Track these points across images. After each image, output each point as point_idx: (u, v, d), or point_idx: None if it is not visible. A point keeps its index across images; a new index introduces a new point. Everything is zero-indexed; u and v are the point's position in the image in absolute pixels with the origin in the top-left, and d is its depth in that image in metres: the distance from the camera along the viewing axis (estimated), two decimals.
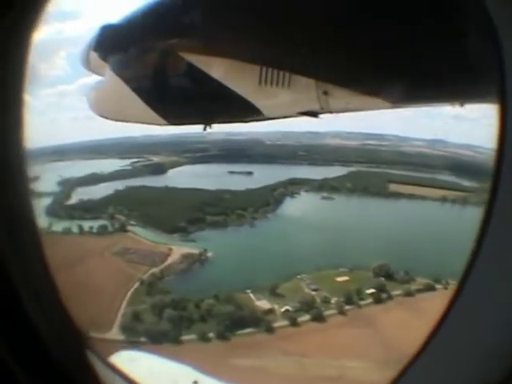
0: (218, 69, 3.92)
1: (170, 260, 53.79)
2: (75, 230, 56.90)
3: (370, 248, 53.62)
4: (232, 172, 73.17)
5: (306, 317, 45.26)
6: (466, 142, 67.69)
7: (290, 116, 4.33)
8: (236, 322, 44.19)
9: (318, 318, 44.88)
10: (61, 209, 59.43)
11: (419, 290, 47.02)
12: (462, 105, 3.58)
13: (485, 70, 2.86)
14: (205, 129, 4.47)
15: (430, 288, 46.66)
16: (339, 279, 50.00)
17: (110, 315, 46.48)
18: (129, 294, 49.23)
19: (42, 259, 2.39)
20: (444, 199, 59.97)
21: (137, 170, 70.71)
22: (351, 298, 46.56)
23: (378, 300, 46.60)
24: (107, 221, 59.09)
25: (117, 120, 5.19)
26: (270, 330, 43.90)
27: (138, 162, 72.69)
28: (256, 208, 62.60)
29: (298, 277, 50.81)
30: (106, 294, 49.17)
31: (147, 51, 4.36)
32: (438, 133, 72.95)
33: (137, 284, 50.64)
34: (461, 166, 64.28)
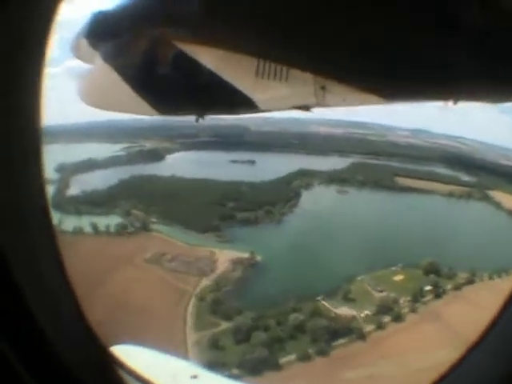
0: (212, 58, 3.93)
1: (220, 267, 47.88)
2: (88, 228, 49.32)
3: (408, 244, 57.14)
4: (234, 161, 71.68)
5: (387, 318, 46.08)
6: (450, 133, 76.75)
7: (285, 109, 4.37)
8: (330, 334, 42.59)
9: (398, 318, 46.46)
10: (64, 201, 52.02)
11: (463, 284, 51.70)
12: (455, 103, 3.77)
13: (480, 70, 3.17)
14: (197, 120, 4.48)
15: (470, 281, 51.72)
16: (396, 278, 52.17)
17: (175, 345, 39.25)
18: (188, 314, 42.37)
19: (57, 258, 2.29)
20: (451, 194, 66.60)
21: (132, 156, 68.15)
22: (417, 296, 49.02)
23: (437, 295, 50.15)
24: (122, 217, 52.21)
25: (107, 110, 5.20)
26: (362, 337, 43.90)
27: (131, 147, 70.24)
28: (284, 203, 60.45)
29: (359, 278, 51.07)
30: (158, 317, 41.45)
31: (139, 39, 4.32)
32: (421, 123, 79.86)
33: (193, 301, 43.83)
34: (452, 159, 72.40)
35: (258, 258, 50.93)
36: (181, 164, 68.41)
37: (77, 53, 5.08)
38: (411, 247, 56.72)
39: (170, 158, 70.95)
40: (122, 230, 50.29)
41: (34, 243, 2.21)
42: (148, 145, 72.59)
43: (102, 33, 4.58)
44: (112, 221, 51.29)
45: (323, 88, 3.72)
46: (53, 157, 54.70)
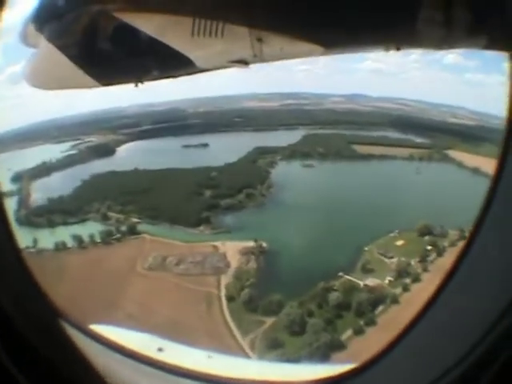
0: (150, 24, 4.43)
1: (233, 261, 46.79)
2: (71, 242, 47.53)
3: (393, 210, 63.20)
4: (186, 146, 72.82)
5: (408, 280, 51.13)
6: (388, 95, 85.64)
7: (222, 66, 4.88)
8: (371, 305, 46.09)
9: (416, 279, 51.75)
10: (32, 214, 52.24)
11: (457, 240, 59.19)
12: (398, 49, 4.15)
13: (422, 13, 3.46)
14: (136, 85, 5.05)
15: (463, 237, 59.40)
16: (398, 243, 57.71)
17: (233, 354, 37.77)
18: (228, 319, 40.84)
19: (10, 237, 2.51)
20: (412, 157, 74.59)
21: (83, 153, 70.73)
22: (423, 256, 55.19)
23: (438, 253, 57.00)
24: (101, 222, 51.33)
25: (51, 89, 5.90)
26: (395, 301, 48.23)
27: (78, 144, 73.18)
28: (260, 184, 62.35)
29: (366, 249, 55.11)
30: (196, 329, 39.06)
31: (80, 16, 4.87)
32: (354, 88, 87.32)
33: (224, 302, 42.27)
34: (398, 122, 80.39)
35: (264, 244, 51.15)
36: (134, 156, 69.01)
37: (25, 40, 5.48)
38: (397, 212, 62.72)
39: (120, 151, 72.35)
40: (108, 238, 48.32)
41: None
42: (93, 139, 74.19)
43: (47, 15, 5.03)
44: (92, 228, 49.65)
45: (260, 40, 4.11)
46: (6, 166, 54.01)
